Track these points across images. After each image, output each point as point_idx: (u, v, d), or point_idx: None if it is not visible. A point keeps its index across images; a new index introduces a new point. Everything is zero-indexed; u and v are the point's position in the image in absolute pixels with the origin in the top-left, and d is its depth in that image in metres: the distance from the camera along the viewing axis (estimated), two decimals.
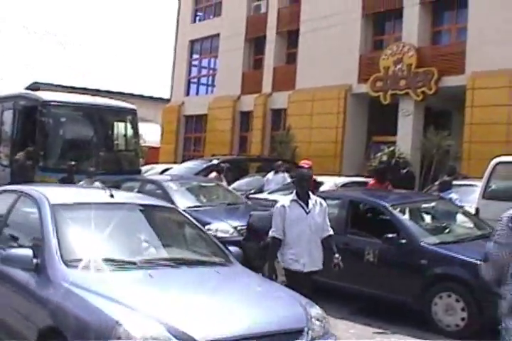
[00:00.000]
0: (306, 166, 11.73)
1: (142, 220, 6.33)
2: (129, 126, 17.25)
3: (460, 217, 9.55)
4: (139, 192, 12.32)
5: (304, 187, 6.77)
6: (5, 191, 6.87)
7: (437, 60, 19.27)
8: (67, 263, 4.95)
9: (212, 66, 31.69)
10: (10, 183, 11.64)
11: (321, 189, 12.19)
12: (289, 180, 15.56)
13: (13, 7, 42.11)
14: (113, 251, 5.45)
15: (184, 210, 7.60)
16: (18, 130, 16.12)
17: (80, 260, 4.99)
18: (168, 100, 33.70)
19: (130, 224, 6.07)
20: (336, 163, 21.53)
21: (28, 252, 5.01)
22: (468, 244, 8.26)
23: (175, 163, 25.60)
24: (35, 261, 4.97)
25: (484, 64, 17.45)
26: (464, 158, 17.70)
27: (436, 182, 12.46)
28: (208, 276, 5.36)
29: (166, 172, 18.96)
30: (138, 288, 4.80)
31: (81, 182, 12.14)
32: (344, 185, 14.32)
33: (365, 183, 13.52)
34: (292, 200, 6.70)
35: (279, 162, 16.49)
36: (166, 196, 11.24)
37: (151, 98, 40.55)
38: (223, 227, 10.50)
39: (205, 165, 18.02)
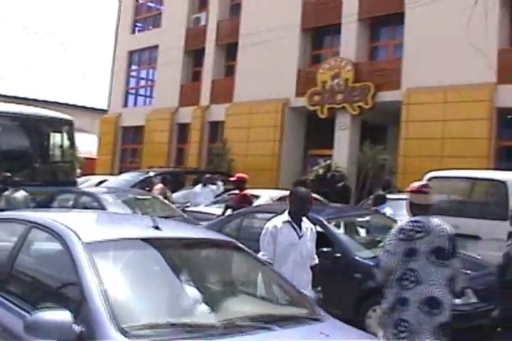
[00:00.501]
0: (234, 179, 11.68)
1: (203, 261, 4.86)
2: (65, 136, 16.93)
3: None
4: (74, 204, 12.15)
5: (303, 209, 6.12)
6: (1, 220, 5.19)
7: (374, 75, 19.55)
8: (125, 333, 3.32)
9: (150, 77, 31.50)
10: None
11: (256, 203, 12.20)
12: (218, 192, 15.63)
13: (13, 7, 41.18)
14: (183, 310, 3.91)
15: None
16: None
17: (144, 327, 3.43)
18: (105, 111, 33.32)
19: (191, 267, 4.56)
20: (273, 177, 21.59)
21: (66, 316, 3.35)
22: None
23: (111, 174, 25.29)
24: (77, 328, 3.34)
25: (420, 80, 17.79)
26: (399, 172, 17.93)
27: (371, 196, 12.61)
28: None
29: (102, 184, 18.72)
30: None
31: (6, 193, 11.86)
32: (280, 199, 14.31)
33: None
34: (285, 222, 6.03)
35: (207, 175, 16.64)
36: (102, 209, 11.10)
37: (88, 108, 40.01)
38: None
39: (141, 178, 17.97)
